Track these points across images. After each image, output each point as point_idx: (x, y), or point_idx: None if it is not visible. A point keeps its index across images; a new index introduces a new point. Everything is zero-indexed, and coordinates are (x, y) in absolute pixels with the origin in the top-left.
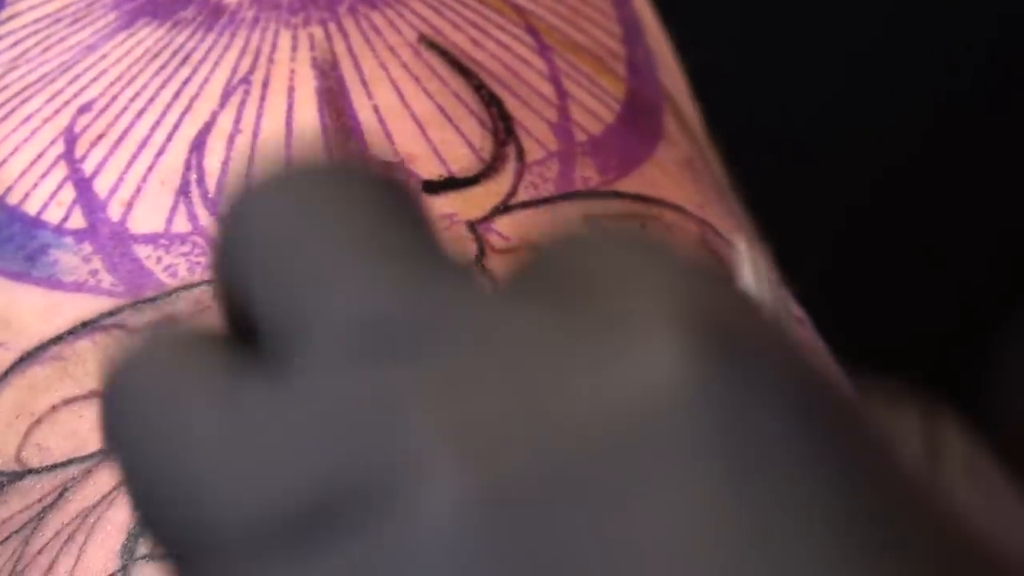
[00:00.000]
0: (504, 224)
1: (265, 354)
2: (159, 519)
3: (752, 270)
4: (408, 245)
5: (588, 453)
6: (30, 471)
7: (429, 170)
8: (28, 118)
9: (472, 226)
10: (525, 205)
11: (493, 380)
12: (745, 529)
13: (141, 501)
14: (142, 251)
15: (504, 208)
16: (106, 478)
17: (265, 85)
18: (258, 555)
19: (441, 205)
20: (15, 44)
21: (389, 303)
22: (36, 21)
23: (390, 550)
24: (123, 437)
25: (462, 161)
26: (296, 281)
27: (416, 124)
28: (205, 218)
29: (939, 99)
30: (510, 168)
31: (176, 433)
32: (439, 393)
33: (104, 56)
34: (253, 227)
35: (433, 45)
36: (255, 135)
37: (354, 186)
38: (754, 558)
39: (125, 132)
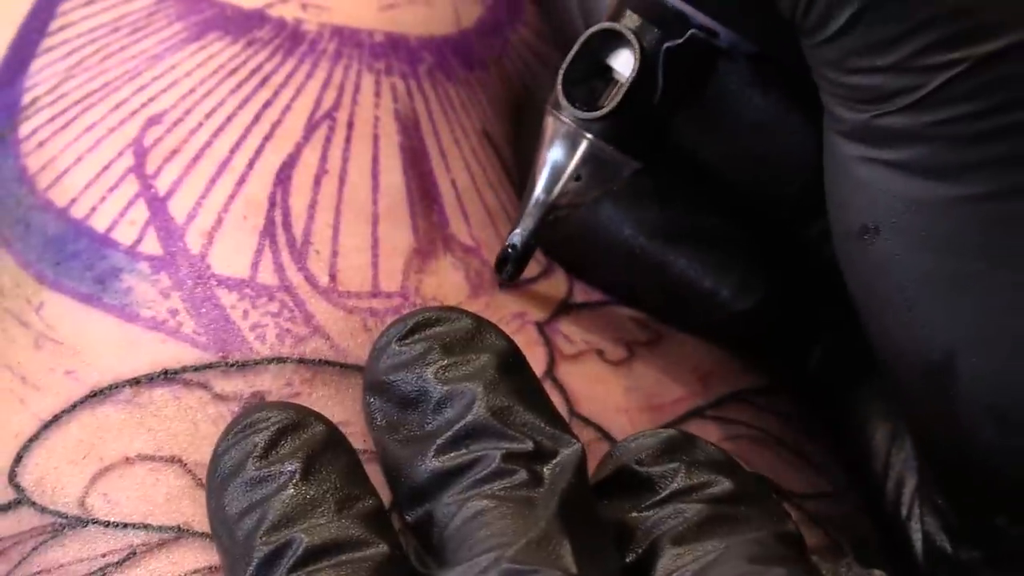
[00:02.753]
0: (568, 324)
1: None
2: None
3: None
4: None
5: None
6: (95, 521)
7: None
8: (91, 127)
9: (541, 328)
10: (582, 306)
11: None
12: None
13: None
14: (226, 298)
15: (566, 307)
16: (186, 558)
17: (350, 126)
18: None
19: (511, 302)
20: (70, 53)
21: None
22: (92, 30)
23: None
24: None
25: None
26: None
27: (486, 212)
28: (292, 273)
29: None
30: (561, 272)
31: None
32: None
33: (173, 67)
34: None
35: (492, 142)
36: (342, 180)
37: None
38: None
39: (202, 150)
